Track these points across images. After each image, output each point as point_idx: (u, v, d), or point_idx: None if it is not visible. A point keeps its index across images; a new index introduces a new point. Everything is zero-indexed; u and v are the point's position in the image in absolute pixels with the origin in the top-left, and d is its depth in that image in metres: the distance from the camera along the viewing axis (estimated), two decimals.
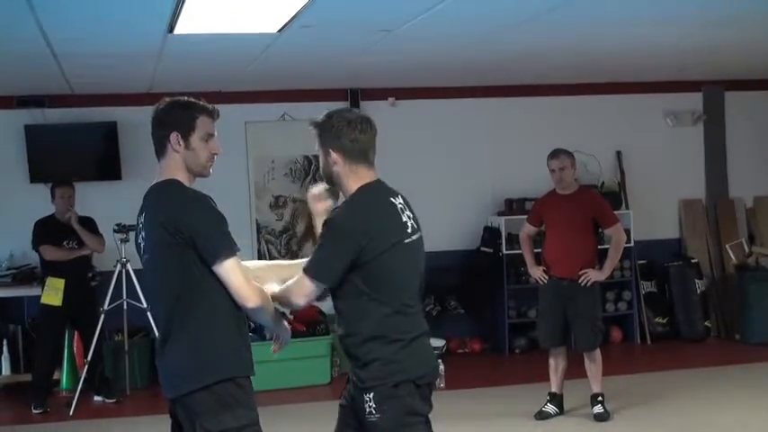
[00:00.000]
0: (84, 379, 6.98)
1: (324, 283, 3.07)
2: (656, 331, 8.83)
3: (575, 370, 6.33)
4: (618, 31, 5.92)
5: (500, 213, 8.53)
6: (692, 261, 8.88)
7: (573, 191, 6.27)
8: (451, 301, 8.50)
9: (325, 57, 6.48)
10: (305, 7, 4.56)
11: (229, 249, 2.98)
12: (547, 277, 6.22)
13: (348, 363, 3.23)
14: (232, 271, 2.97)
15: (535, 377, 6.84)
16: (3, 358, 7.64)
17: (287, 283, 3.16)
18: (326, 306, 8.20)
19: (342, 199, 3.26)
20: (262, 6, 4.65)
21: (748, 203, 9.34)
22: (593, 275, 6.10)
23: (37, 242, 7.07)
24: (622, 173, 8.96)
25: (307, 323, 7.63)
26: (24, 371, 7.60)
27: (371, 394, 3.06)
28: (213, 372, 3.00)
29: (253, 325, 7.51)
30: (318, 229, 3.27)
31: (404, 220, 3.15)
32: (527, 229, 6.52)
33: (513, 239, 8.13)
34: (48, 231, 7.07)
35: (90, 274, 7.30)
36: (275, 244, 8.36)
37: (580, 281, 6.09)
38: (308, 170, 8.47)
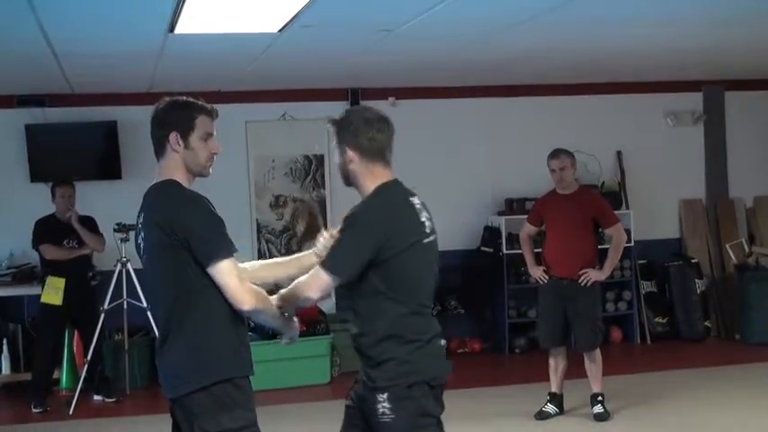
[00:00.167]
0: (84, 378, 6.98)
1: (340, 278, 3.03)
2: (656, 331, 8.83)
3: (575, 370, 6.33)
4: (618, 32, 5.93)
5: (500, 213, 8.53)
6: (692, 261, 8.88)
7: (573, 191, 6.27)
8: (452, 301, 8.50)
9: (325, 57, 6.48)
10: (305, 7, 4.56)
11: (224, 251, 2.96)
12: (547, 277, 6.22)
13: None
14: (227, 273, 2.95)
15: (535, 377, 6.84)
16: (3, 357, 7.65)
17: (300, 278, 3.12)
18: (327, 306, 8.25)
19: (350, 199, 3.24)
20: (262, 6, 4.66)
21: (748, 203, 9.34)
22: (593, 275, 6.10)
23: (37, 241, 7.08)
24: (622, 173, 8.96)
25: (307, 323, 7.63)
26: (24, 370, 7.60)
27: (385, 394, 3.03)
28: (211, 373, 2.99)
29: (252, 324, 7.53)
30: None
31: (422, 219, 3.15)
32: (527, 229, 6.52)
33: (513, 239, 8.13)
34: (48, 230, 7.07)
35: (90, 274, 7.30)
36: (275, 243, 8.36)
37: (580, 281, 6.09)
38: (309, 170, 8.48)
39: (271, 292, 3.18)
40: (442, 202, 9.13)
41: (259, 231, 8.37)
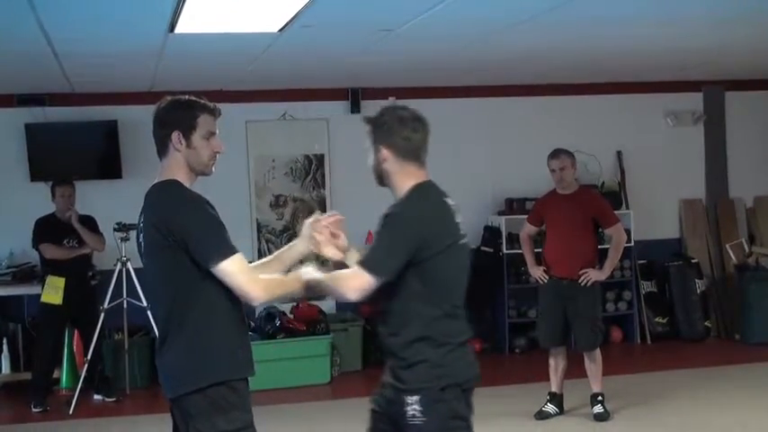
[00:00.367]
0: (84, 378, 6.98)
1: (381, 278, 2.97)
2: (656, 331, 8.83)
3: (575, 370, 6.33)
4: (618, 32, 5.92)
5: (500, 213, 8.53)
6: (693, 261, 8.88)
7: (573, 191, 6.27)
8: None
9: (325, 56, 6.48)
10: (306, 7, 4.56)
11: (223, 252, 2.94)
12: (547, 277, 6.22)
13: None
14: (229, 273, 2.94)
15: (535, 377, 6.84)
16: (2, 357, 7.64)
17: (337, 273, 3.07)
18: (327, 306, 8.27)
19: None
20: (263, 6, 4.65)
21: (748, 203, 9.34)
22: (593, 275, 6.10)
23: (37, 241, 7.08)
24: (623, 173, 8.96)
25: (307, 322, 7.64)
26: (24, 369, 7.60)
27: (416, 397, 3.00)
28: (208, 375, 2.98)
29: (253, 324, 7.53)
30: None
31: (456, 221, 3.15)
32: (527, 229, 6.52)
33: (513, 239, 8.13)
34: (48, 230, 7.07)
35: (90, 273, 7.30)
36: (276, 243, 8.35)
37: (580, 281, 6.09)
38: (309, 169, 8.48)
39: None
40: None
41: (259, 231, 8.37)
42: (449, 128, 8.60)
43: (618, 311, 8.81)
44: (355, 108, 8.39)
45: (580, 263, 6.12)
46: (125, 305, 6.99)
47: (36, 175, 7.78)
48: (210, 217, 2.99)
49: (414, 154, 3.14)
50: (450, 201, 3.17)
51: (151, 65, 6.42)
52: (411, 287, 3.01)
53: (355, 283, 2.99)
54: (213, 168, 3.13)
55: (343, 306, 8.47)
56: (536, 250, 6.48)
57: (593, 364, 6.19)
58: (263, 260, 3.36)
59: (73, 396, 6.93)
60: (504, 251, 8.37)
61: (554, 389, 6.28)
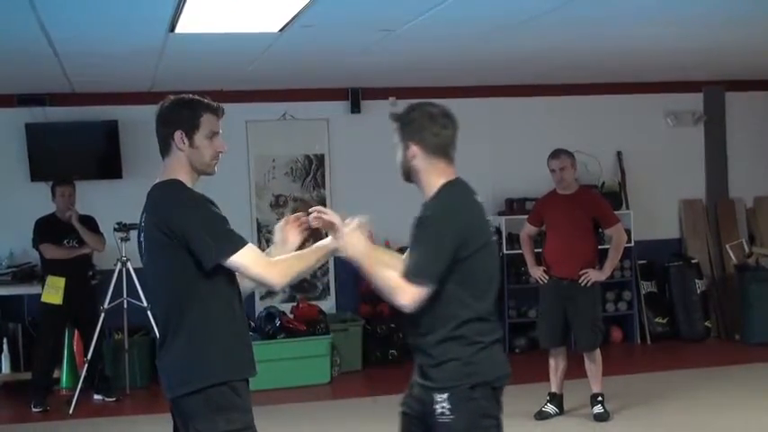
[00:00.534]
0: (84, 377, 6.98)
1: (430, 286, 2.93)
2: (656, 331, 8.83)
3: (575, 370, 6.33)
4: (618, 32, 5.92)
5: (500, 213, 8.53)
6: (693, 261, 8.88)
7: (573, 191, 6.27)
8: None
9: (325, 56, 6.48)
10: (306, 7, 4.56)
11: (233, 244, 2.94)
12: (547, 277, 6.22)
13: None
14: (242, 265, 2.95)
15: (535, 377, 6.83)
16: (3, 356, 7.64)
17: (389, 278, 2.97)
18: (327, 306, 8.27)
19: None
20: (263, 6, 4.65)
21: (748, 204, 9.34)
22: (593, 275, 6.10)
23: (37, 240, 7.08)
24: (623, 173, 8.96)
25: (307, 322, 7.64)
26: (24, 369, 7.59)
27: (446, 395, 2.98)
28: (208, 375, 2.98)
29: (253, 324, 7.53)
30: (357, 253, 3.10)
31: (488, 218, 3.13)
32: (527, 229, 6.53)
33: (513, 239, 8.13)
34: (48, 230, 7.07)
35: (90, 273, 7.30)
36: None
37: (580, 281, 6.09)
38: (309, 169, 8.48)
39: None
40: None
41: (259, 231, 8.37)
42: None
43: (618, 312, 8.81)
44: (355, 108, 8.40)
45: (580, 263, 6.12)
46: (125, 305, 6.99)
47: (36, 174, 7.78)
48: (213, 214, 2.99)
49: (443, 150, 3.11)
50: (479, 198, 3.16)
51: (151, 65, 6.42)
52: (446, 288, 2.97)
53: (406, 298, 2.94)
54: (216, 168, 3.13)
55: (342, 306, 8.48)
56: (536, 250, 6.48)
57: (593, 364, 6.19)
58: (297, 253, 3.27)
59: (73, 396, 6.93)
60: (505, 251, 8.36)
61: (554, 389, 6.28)
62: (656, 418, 6.22)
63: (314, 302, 8.15)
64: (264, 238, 8.38)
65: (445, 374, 3.00)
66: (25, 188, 7.80)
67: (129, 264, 6.89)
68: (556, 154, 6.24)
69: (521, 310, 8.59)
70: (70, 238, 7.09)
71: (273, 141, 8.40)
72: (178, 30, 5.03)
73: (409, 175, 3.15)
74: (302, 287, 8.41)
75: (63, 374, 7.49)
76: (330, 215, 3.13)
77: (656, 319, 8.86)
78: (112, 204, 7.28)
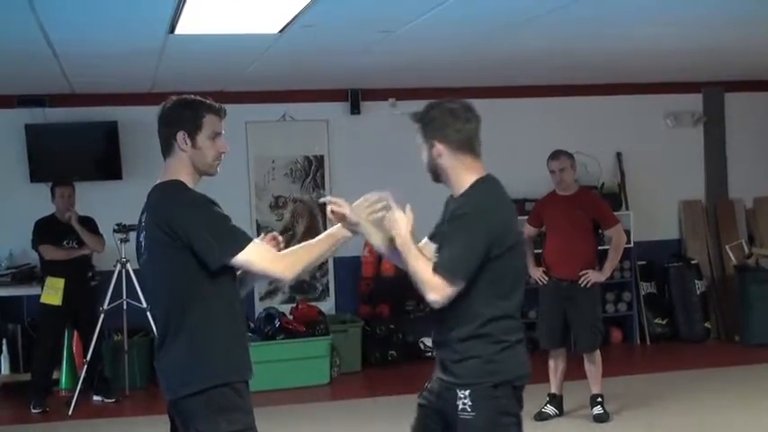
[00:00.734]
0: (84, 379, 6.98)
1: (462, 283, 2.92)
2: (655, 332, 8.84)
3: (574, 371, 6.33)
4: (618, 32, 5.93)
5: None
6: (692, 262, 8.88)
7: (573, 192, 6.27)
8: None
9: (325, 57, 6.48)
10: (306, 8, 4.56)
11: (238, 243, 2.94)
12: (547, 278, 6.22)
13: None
14: (248, 262, 2.95)
15: (535, 378, 6.78)
16: (2, 357, 7.64)
17: (421, 271, 2.95)
18: (326, 307, 8.26)
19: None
20: (263, 7, 4.65)
21: (748, 204, 9.34)
22: (593, 276, 6.10)
23: (37, 241, 7.08)
24: (622, 174, 8.96)
25: (306, 323, 7.63)
26: (24, 370, 7.60)
27: (467, 391, 2.98)
28: (209, 376, 2.98)
29: (252, 325, 7.53)
30: (372, 234, 3.10)
31: (517, 217, 3.11)
32: (527, 230, 6.51)
33: None
34: (48, 231, 7.07)
35: (90, 274, 7.30)
36: None
37: (580, 282, 6.09)
38: (308, 170, 8.48)
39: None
40: (441, 203, 9.21)
41: (259, 232, 8.36)
42: None
43: (618, 312, 8.81)
44: (355, 109, 8.40)
45: (580, 264, 6.12)
46: (125, 306, 6.99)
47: (36, 175, 7.78)
48: (215, 214, 2.98)
49: (468, 145, 3.09)
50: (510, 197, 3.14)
51: (151, 66, 6.42)
52: (475, 286, 2.96)
53: (437, 293, 2.92)
54: (218, 169, 3.13)
55: (342, 307, 8.48)
56: (536, 251, 6.48)
57: (593, 365, 6.19)
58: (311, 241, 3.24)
59: (72, 397, 6.93)
60: None
61: (554, 390, 6.28)
62: (656, 419, 6.22)
63: (313, 303, 8.15)
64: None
65: (467, 371, 3.00)
66: (25, 189, 7.80)
67: (128, 265, 6.89)
68: (555, 155, 6.25)
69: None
70: (70, 239, 7.09)
71: (273, 142, 8.40)
72: (178, 31, 5.03)
73: (437, 174, 3.13)
74: (302, 288, 8.41)
75: (62, 375, 7.49)
76: (343, 206, 3.12)
77: (656, 320, 8.86)
78: (112, 205, 7.27)
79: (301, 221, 8.44)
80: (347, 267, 8.36)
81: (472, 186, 3.07)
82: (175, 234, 2.93)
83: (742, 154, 9.28)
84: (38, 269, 7.43)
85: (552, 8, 4.90)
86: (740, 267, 8.69)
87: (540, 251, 6.42)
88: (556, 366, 6.24)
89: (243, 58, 6.33)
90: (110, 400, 7.18)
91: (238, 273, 3.11)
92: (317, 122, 8.47)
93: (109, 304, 6.95)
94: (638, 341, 8.83)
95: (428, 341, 8.19)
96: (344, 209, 3.11)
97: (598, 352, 6.20)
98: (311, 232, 7.79)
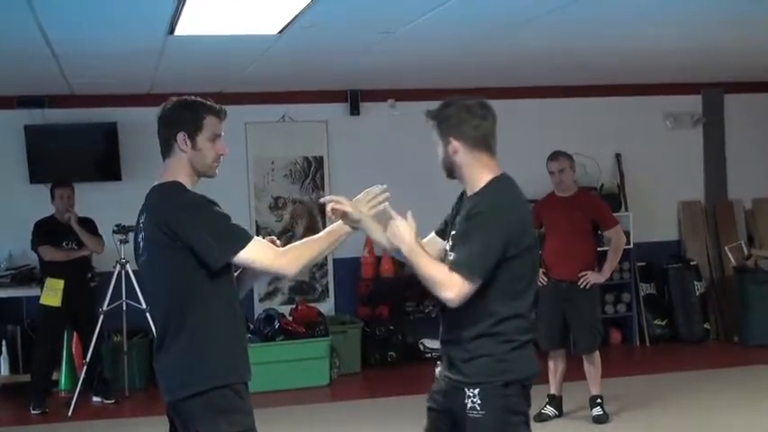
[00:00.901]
0: (83, 380, 6.98)
1: (479, 282, 2.90)
2: (655, 333, 8.83)
3: (574, 372, 6.33)
4: (618, 33, 5.93)
5: None
6: (692, 263, 8.88)
7: (572, 193, 6.27)
8: None
9: (325, 58, 6.48)
10: (305, 9, 4.56)
11: (240, 241, 2.94)
12: (546, 279, 6.22)
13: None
14: (250, 260, 2.95)
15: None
16: (1, 359, 7.64)
17: (434, 271, 2.94)
18: (326, 308, 8.26)
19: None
20: (262, 8, 4.65)
21: (747, 205, 9.35)
22: (592, 278, 6.10)
23: (36, 243, 7.07)
24: (622, 175, 8.97)
25: (306, 324, 7.63)
26: (23, 371, 7.60)
27: (476, 390, 2.97)
28: (209, 378, 2.97)
29: (251, 326, 7.52)
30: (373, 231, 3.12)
31: (533, 217, 3.12)
32: None
33: None
34: (47, 232, 7.07)
35: (89, 275, 7.30)
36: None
37: (579, 283, 6.09)
38: (308, 171, 8.48)
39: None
40: (442, 203, 9.17)
41: (258, 233, 8.36)
42: None
43: (617, 313, 8.81)
44: (354, 110, 8.40)
45: (579, 265, 6.12)
46: (124, 307, 6.99)
47: (35, 176, 7.77)
48: (215, 214, 2.98)
49: (485, 142, 3.08)
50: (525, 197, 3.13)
51: (151, 66, 6.42)
52: (489, 285, 2.94)
53: (453, 292, 2.89)
54: (217, 170, 3.13)
55: (341, 308, 8.48)
56: None
57: (592, 366, 6.19)
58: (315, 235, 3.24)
59: (72, 398, 6.93)
60: None
61: (553, 391, 6.28)
62: (656, 419, 6.22)
63: (313, 304, 8.14)
64: None
65: (477, 370, 2.99)
66: (24, 190, 7.79)
67: (127, 266, 6.89)
68: (555, 156, 6.25)
69: None
70: (69, 240, 7.08)
71: (272, 143, 8.40)
72: (177, 32, 5.03)
73: (452, 171, 3.13)
74: (301, 289, 8.41)
75: (62, 376, 7.48)
76: (343, 204, 3.11)
77: (655, 321, 8.86)
78: (111, 206, 7.26)
79: (301, 222, 8.44)
80: (347, 268, 8.36)
81: (488, 185, 3.06)
82: (175, 235, 2.93)
83: (741, 155, 9.28)
84: (37, 270, 7.43)
85: (552, 8, 4.90)
86: (739, 268, 8.70)
87: (540, 252, 6.42)
88: (555, 367, 6.24)
89: (242, 58, 6.33)
90: (109, 401, 7.18)
91: (236, 273, 3.11)
92: (317, 123, 8.47)
93: (108, 305, 6.95)
94: (638, 342, 8.83)
95: (428, 342, 8.20)
96: (345, 205, 3.11)
97: (597, 353, 6.20)
98: (311, 233, 7.67)
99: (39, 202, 7.33)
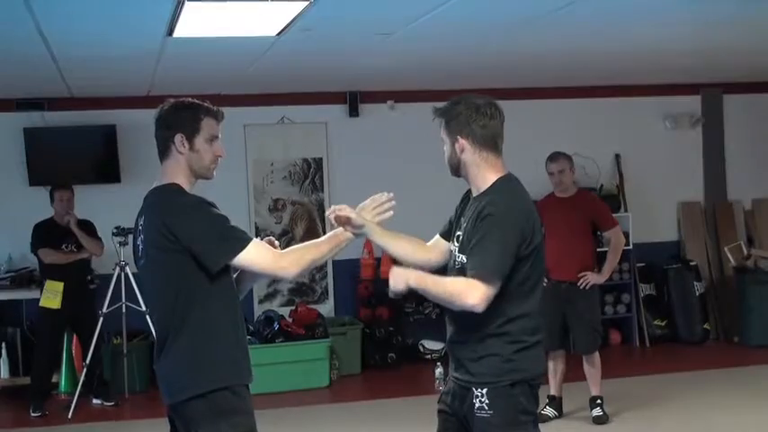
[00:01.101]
0: (83, 382, 6.98)
1: (500, 282, 2.89)
2: (654, 334, 8.83)
3: (574, 373, 6.34)
4: (618, 33, 5.93)
5: None
6: (691, 263, 8.88)
7: (571, 194, 6.27)
8: None
9: (324, 60, 6.48)
10: (304, 10, 4.56)
11: (239, 243, 2.94)
12: (545, 280, 6.20)
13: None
14: (250, 261, 2.96)
15: None
16: (1, 361, 7.63)
17: (451, 284, 2.95)
18: (325, 309, 8.26)
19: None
20: (261, 9, 4.65)
21: (746, 206, 9.35)
22: (591, 278, 6.10)
23: (36, 245, 7.07)
24: (621, 176, 8.97)
25: (305, 326, 7.63)
26: (23, 374, 7.59)
27: (485, 390, 2.98)
28: (210, 380, 2.97)
29: (251, 328, 7.52)
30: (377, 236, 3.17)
31: (538, 217, 3.13)
32: None
33: None
34: (47, 234, 7.06)
35: (89, 277, 7.30)
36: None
37: (579, 284, 6.09)
38: (307, 173, 8.48)
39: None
40: (441, 204, 9.14)
41: (258, 235, 8.36)
42: None
43: (617, 314, 8.81)
44: (354, 112, 8.40)
45: (579, 266, 6.12)
46: (124, 309, 6.99)
47: (35, 179, 7.77)
48: (213, 216, 2.98)
49: (492, 142, 3.08)
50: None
51: (149, 69, 6.42)
52: (506, 286, 2.94)
53: (477, 297, 2.86)
54: (215, 172, 3.13)
55: (341, 309, 8.48)
56: None
57: (592, 367, 6.19)
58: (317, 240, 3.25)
59: (72, 400, 6.93)
60: None
61: (553, 392, 6.28)
62: (655, 420, 6.22)
63: (313, 306, 8.15)
64: None
65: (484, 369, 3.00)
66: (24, 193, 7.79)
67: (127, 268, 6.89)
68: (554, 157, 6.25)
69: None
70: (68, 243, 7.08)
71: (272, 145, 8.40)
72: (176, 34, 5.03)
73: (458, 169, 3.13)
74: (301, 291, 8.41)
75: (62, 379, 7.48)
76: (345, 211, 3.13)
77: (655, 322, 8.86)
78: (111, 209, 7.25)
79: (300, 224, 8.43)
80: (346, 270, 8.36)
81: (494, 185, 3.06)
82: (174, 237, 2.93)
83: (740, 155, 9.29)
84: (37, 273, 7.43)
85: (552, 9, 4.90)
86: (739, 269, 8.70)
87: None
88: (555, 368, 6.24)
89: (241, 60, 6.33)
90: (109, 404, 7.17)
91: (234, 275, 3.11)
92: (316, 125, 8.47)
93: (108, 307, 6.95)
94: (638, 343, 8.82)
95: (428, 343, 8.20)
96: (348, 213, 3.11)
97: (597, 354, 6.20)
98: (310, 235, 7.79)
99: (38, 205, 7.33)
